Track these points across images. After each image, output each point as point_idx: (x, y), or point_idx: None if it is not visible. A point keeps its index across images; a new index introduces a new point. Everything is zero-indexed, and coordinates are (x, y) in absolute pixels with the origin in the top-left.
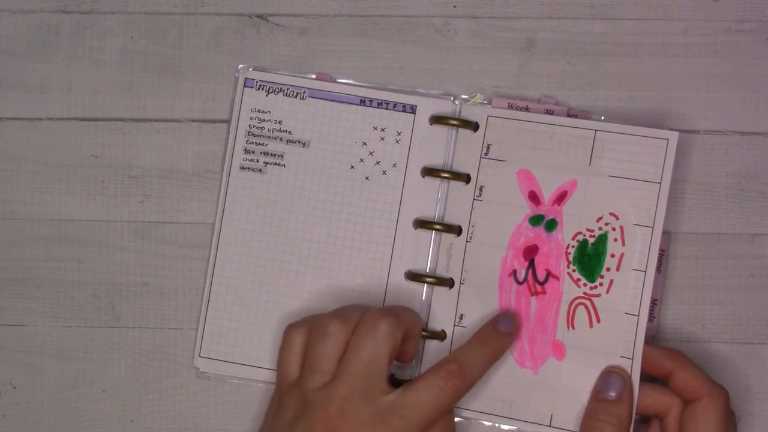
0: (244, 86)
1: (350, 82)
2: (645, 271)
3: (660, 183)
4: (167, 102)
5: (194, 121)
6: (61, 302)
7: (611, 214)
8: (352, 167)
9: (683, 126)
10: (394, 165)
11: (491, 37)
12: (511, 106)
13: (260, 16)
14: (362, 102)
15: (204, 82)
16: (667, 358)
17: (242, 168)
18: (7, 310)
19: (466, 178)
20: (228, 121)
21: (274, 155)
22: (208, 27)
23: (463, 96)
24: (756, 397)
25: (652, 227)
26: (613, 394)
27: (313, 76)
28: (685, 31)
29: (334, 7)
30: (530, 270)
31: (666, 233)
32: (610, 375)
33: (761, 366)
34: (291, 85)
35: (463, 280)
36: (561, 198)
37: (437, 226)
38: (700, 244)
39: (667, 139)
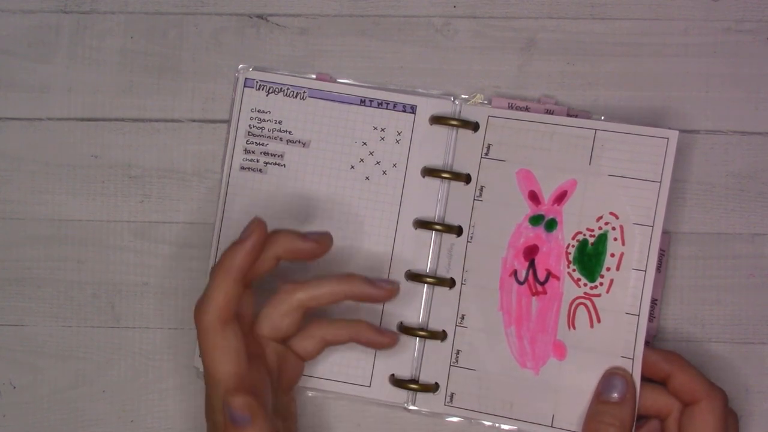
0: (244, 86)
1: (350, 82)
2: (645, 271)
3: (660, 182)
4: (167, 102)
5: (194, 121)
6: (61, 302)
7: (611, 213)
8: (352, 167)
9: (683, 126)
10: (395, 165)
11: (491, 37)
12: (511, 106)
13: (260, 16)
14: (362, 102)
15: (204, 82)
16: (665, 361)
17: (242, 168)
18: (7, 310)
19: (467, 179)
20: (228, 121)
21: (274, 155)
22: (208, 27)
23: (463, 96)
24: (756, 397)
25: (652, 226)
26: (615, 395)
27: (313, 76)
28: (685, 31)
29: (334, 7)
30: (530, 270)
31: (666, 233)
32: (613, 377)
33: (761, 366)
34: (291, 85)
35: (465, 281)
36: (561, 198)
37: (437, 227)
38: (700, 244)
39: (667, 138)
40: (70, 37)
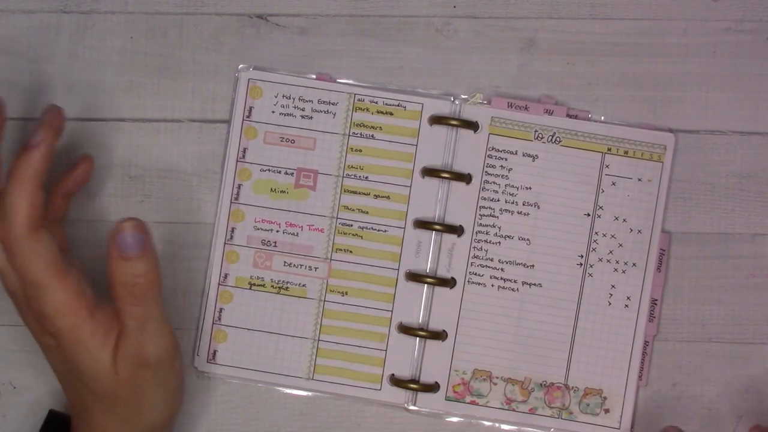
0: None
1: (350, 82)
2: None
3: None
4: (167, 102)
5: (194, 121)
6: None
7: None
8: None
9: (683, 126)
10: None
11: (491, 37)
12: (510, 106)
13: (260, 16)
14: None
15: (204, 82)
16: None
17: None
18: (7, 310)
19: (468, 179)
20: (228, 121)
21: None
22: (208, 27)
23: (463, 96)
24: (756, 397)
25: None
26: None
27: (313, 76)
28: (685, 31)
29: (334, 7)
30: None
31: (666, 233)
32: None
33: (761, 366)
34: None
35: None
36: None
37: (437, 227)
38: (700, 244)
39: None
40: (70, 37)
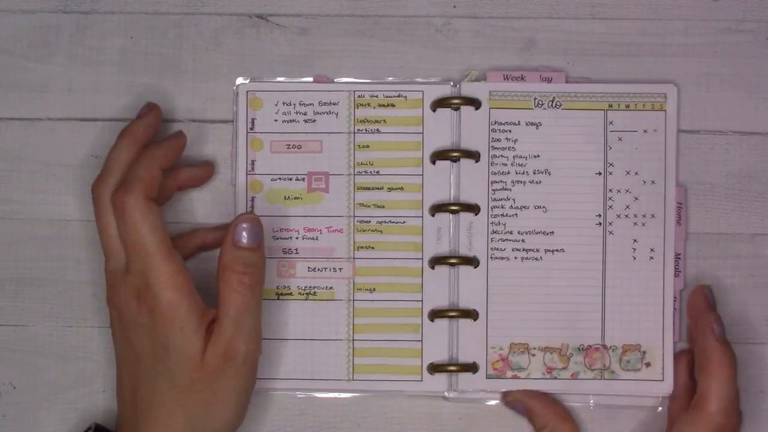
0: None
1: (348, 80)
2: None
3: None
4: (167, 102)
5: (194, 121)
6: (61, 302)
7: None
8: None
9: (683, 126)
10: None
11: (491, 37)
12: (506, 78)
13: (260, 16)
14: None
15: (204, 82)
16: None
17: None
18: (7, 310)
19: (476, 156)
20: (231, 120)
21: None
22: (208, 27)
23: (459, 81)
24: (756, 397)
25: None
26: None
27: (310, 79)
28: (685, 31)
29: (334, 7)
30: None
31: (681, 186)
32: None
33: (761, 366)
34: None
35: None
36: None
37: (453, 207)
38: (700, 244)
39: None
40: (70, 37)
